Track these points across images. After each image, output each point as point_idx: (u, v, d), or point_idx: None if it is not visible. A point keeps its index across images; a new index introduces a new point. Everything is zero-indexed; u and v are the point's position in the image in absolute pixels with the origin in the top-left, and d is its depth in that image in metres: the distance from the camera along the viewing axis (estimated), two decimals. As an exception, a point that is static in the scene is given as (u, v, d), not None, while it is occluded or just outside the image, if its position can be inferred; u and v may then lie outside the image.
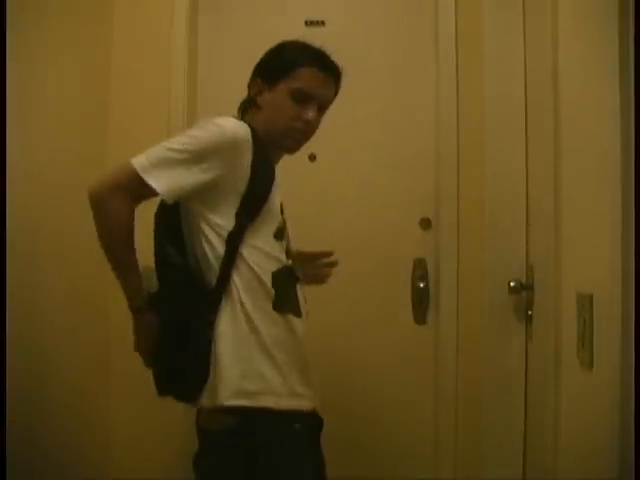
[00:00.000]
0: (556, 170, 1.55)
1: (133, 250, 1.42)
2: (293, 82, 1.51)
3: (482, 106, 2.13)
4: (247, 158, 1.41)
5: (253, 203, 1.44)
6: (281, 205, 1.56)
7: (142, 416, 2.23)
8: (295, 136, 1.56)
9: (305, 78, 1.51)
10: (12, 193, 1.73)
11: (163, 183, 1.36)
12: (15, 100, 1.81)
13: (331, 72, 1.56)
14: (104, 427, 2.24)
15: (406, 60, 2.31)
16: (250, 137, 1.42)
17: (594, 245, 1.21)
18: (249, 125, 1.46)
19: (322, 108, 1.57)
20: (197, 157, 1.38)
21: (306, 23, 2.32)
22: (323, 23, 2.32)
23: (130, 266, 1.43)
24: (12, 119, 1.77)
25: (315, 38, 2.27)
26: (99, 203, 1.36)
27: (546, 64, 1.65)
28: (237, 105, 1.65)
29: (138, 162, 1.36)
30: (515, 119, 2.04)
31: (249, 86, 1.61)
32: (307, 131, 1.56)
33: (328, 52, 1.57)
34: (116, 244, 1.40)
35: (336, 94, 1.61)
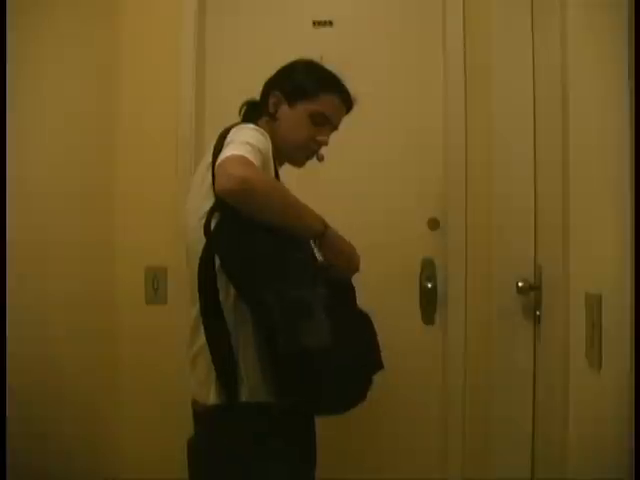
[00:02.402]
0: (564, 170, 1.55)
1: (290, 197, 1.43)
2: (315, 105, 1.61)
3: (490, 106, 2.13)
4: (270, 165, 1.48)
5: None
6: None
7: (147, 421, 2.25)
8: (306, 154, 1.67)
9: (327, 103, 1.62)
10: (11, 196, 1.73)
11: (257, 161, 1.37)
12: (18, 101, 1.82)
13: (347, 100, 1.67)
14: (111, 431, 2.25)
15: (414, 60, 2.30)
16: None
17: (602, 245, 1.21)
18: None
19: (332, 130, 1.69)
20: (257, 151, 1.40)
21: (314, 23, 2.33)
22: (331, 23, 2.32)
23: (301, 204, 1.45)
24: (14, 119, 1.78)
25: (323, 38, 2.30)
26: (246, 187, 1.30)
27: (555, 64, 1.64)
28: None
29: (235, 151, 1.35)
30: (523, 119, 2.04)
31: (265, 96, 1.65)
32: (316, 151, 1.67)
33: (343, 79, 1.66)
34: (284, 199, 1.40)
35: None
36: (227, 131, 1.48)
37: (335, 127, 1.69)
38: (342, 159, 2.26)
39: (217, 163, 1.36)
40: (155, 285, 2.28)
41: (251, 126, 1.50)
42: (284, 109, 1.61)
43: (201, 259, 1.43)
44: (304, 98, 1.60)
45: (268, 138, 1.48)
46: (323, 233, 1.50)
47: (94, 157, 2.22)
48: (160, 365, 2.22)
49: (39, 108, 1.97)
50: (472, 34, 2.20)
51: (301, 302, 1.35)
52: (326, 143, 1.66)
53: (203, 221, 1.40)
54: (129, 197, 2.29)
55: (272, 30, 2.32)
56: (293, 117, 1.61)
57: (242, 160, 1.33)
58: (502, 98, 2.08)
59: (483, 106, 2.16)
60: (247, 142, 1.39)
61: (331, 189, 2.27)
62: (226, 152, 1.37)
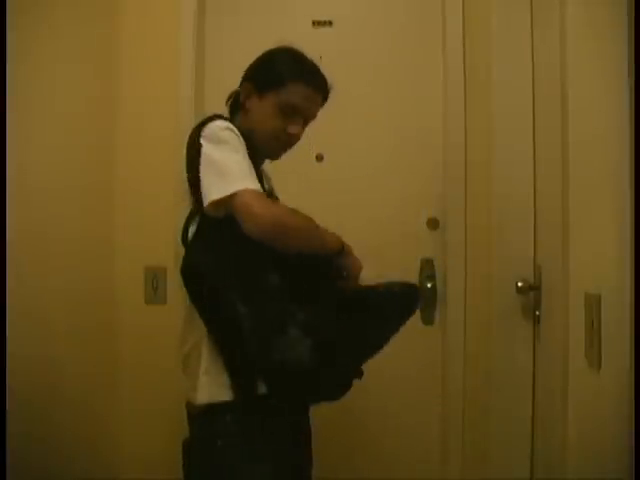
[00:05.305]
0: (564, 169, 1.54)
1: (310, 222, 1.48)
2: (283, 95, 1.54)
3: (490, 105, 2.12)
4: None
5: None
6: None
7: (147, 421, 2.25)
8: (277, 147, 1.60)
9: (295, 93, 1.54)
10: (11, 195, 1.73)
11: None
12: (18, 101, 1.82)
13: (320, 88, 1.59)
14: (110, 431, 2.25)
15: (413, 60, 2.30)
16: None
17: (602, 245, 1.21)
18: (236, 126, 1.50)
19: (306, 121, 1.61)
20: (243, 156, 1.41)
21: (313, 23, 2.33)
22: (330, 23, 2.32)
23: (319, 229, 1.50)
24: (14, 119, 1.78)
25: (322, 38, 2.30)
26: (278, 226, 1.36)
27: (554, 63, 1.64)
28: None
29: (236, 187, 1.35)
30: (523, 119, 2.04)
31: (240, 87, 1.62)
32: (290, 143, 1.61)
33: (319, 66, 1.60)
34: (309, 229, 1.47)
35: (322, 105, 1.64)
36: (197, 132, 1.45)
37: (311, 117, 1.61)
38: (341, 159, 2.27)
39: (237, 206, 1.34)
40: (154, 285, 2.28)
41: (218, 124, 1.45)
42: (254, 100, 1.56)
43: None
44: (272, 88, 1.54)
45: (236, 131, 1.45)
46: (340, 251, 1.56)
47: (94, 157, 2.22)
48: (159, 365, 2.22)
49: (39, 108, 1.98)
50: (472, 33, 2.20)
51: (274, 318, 1.36)
52: (298, 135, 1.59)
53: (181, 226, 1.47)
54: (129, 197, 2.29)
55: (272, 30, 2.31)
56: (262, 108, 1.55)
57: (258, 197, 1.35)
58: (502, 97, 2.08)
59: (483, 105, 2.15)
60: (232, 150, 1.39)
61: (330, 189, 2.27)
62: (232, 184, 1.35)
